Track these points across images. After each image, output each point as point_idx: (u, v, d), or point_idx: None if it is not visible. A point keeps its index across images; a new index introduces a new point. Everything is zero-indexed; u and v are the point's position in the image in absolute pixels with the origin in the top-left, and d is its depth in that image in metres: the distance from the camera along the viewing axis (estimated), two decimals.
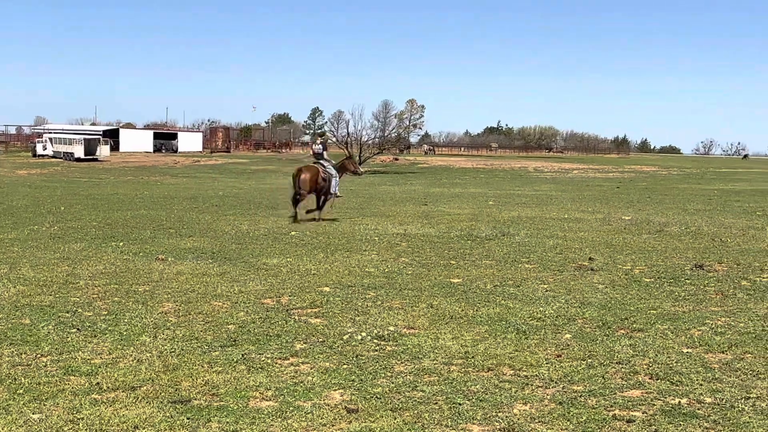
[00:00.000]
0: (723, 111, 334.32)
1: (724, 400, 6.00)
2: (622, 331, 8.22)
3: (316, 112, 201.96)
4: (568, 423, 5.52)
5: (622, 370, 6.82)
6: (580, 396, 6.10)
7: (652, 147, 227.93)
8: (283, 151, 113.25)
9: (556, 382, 6.45)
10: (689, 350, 7.48)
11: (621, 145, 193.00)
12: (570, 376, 6.61)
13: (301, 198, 21.22)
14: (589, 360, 7.12)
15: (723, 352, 7.41)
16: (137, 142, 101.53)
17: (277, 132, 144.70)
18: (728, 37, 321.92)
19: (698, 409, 5.81)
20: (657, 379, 6.55)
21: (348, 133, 72.95)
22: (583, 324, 8.54)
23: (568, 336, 8.00)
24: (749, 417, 5.64)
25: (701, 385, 6.40)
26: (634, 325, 8.47)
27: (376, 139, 77.30)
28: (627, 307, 9.46)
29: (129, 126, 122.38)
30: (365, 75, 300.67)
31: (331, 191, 21.65)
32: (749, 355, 7.32)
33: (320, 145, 22.54)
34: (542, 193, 35.64)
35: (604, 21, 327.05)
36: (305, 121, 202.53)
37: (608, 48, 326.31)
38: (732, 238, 16.83)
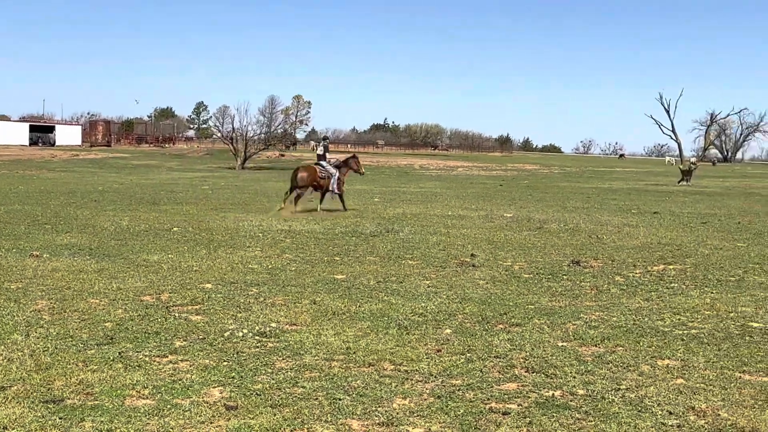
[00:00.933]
0: (602, 111, 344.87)
1: (596, 392, 6.20)
2: (501, 326, 8.39)
3: (200, 107, 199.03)
4: (446, 416, 5.61)
5: (500, 363, 6.96)
6: (459, 390, 6.20)
7: (534, 146, 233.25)
8: (167, 145, 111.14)
9: (435, 377, 6.54)
10: (564, 344, 7.70)
11: (504, 143, 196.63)
12: (449, 371, 6.71)
13: (299, 195, 23.24)
14: (468, 354, 7.25)
15: (596, 346, 7.65)
16: (11, 135, 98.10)
17: (161, 126, 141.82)
18: (607, 40, 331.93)
19: (571, 401, 5.98)
20: (533, 372, 6.71)
21: (233, 129, 72.19)
22: (463, 319, 8.68)
23: (448, 331, 8.12)
24: (618, 408, 5.84)
25: (574, 377, 6.60)
26: (513, 320, 8.66)
27: (262, 135, 76.70)
28: (506, 302, 9.67)
29: (3, 118, 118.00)
30: (251, 70, 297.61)
31: (331, 188, 23.49)
32: (620, 348, 7.58)
33: (322, 148, 24.64)
34: (427, 191, 36.05)
35: (489, 21, 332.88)
36: (189, 116, 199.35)
37: (492, 48, 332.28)
38: (608, 235, 17.39)
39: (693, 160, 55.66)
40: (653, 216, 23.12)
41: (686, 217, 22.76)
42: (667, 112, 54.71)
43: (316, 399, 5.93)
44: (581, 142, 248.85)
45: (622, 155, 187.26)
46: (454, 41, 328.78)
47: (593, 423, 5.51)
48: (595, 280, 11.39)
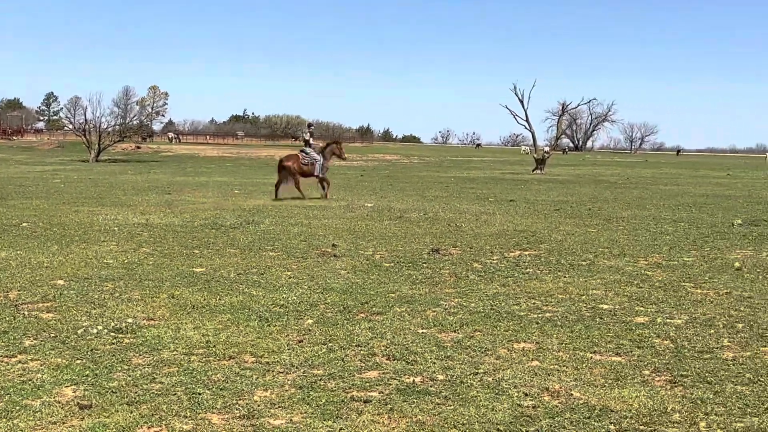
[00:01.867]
0: (459, 102, 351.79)
1: (455, 377, 6.31)
2: (362, 315, 8.43)
3: (50, 98, 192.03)
4: (308, 407, 5.58)
5: (361, 352, 6.99)
6: (320, 379, 6.19)
7: (394, 136, 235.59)
8: (15, 138, 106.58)
9: (297, 367, 6.51)
10: (424, 331, 7.80)
11: (365, 134, 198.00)
12: (311, 361, 6.69)
13: (288, 183, 24.86)
14: (330, 344, 7.24)
15: (455, 331, 7.78)
16: None
17: (8, 118, 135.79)
18: (463, 32, 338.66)
19: (431, 386, 6.06)
20: (393, 360, 6.77)
21: (86, 120, 69.85)
22: (325, 309, 8.68)
23: (309, 321, 8.10)
24: (477, 391, 5.95)
25: (434, 363, 6.69)
26: (374, 309, 8.71)
27: (117, 127, 74.49)
28: (367, 291, 9.72)
29: None
30: (104, 59, 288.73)
31: (316, 173, 25.04)
32: (479, 333, 7.73)
33: (308, 134, 25.92)
34: None
35: (348, 11, 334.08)
36: (39, 107, 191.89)
37: (352, 39, 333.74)
38: (466, 223, 17.74)
39: (546, 149, 57.39)
40: (509, 204, 23.74)
41: (540, 205, 23.48)
42: (521, 102, 56.20)
43: (175, 394, 5.80)
44: (440, 132, 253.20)
45: (478, 145, 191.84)
46: (313, 31, 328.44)
47: (452, 407, 5.61)
48: (454, 267, 11.59)
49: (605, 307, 9.01)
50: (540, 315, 8.55)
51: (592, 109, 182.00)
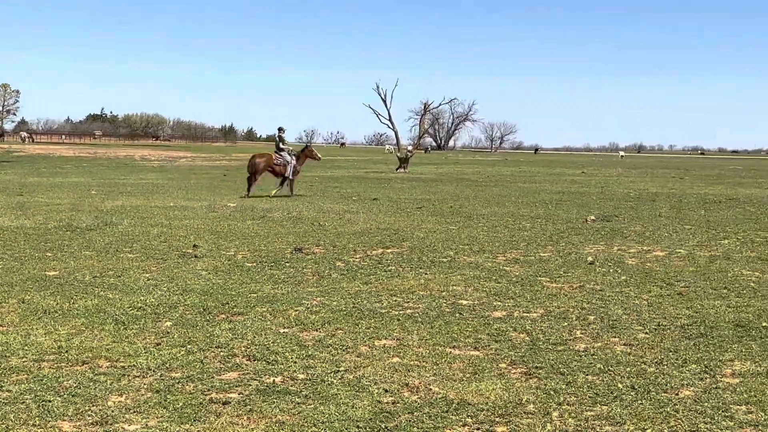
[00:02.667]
0: (324, 101, 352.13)
1: (316, 375, 6.29)
2: (223, 316, 8.31)
3: None
4: (165, 410, 5.46)
5: (221, 353, 6.89)
6: (178, 382, 6.06)
7: (258, 136, 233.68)
8: None
9: (154, 371, 6.35)
10: (286, 330, 7.75)
11: (228, 133, 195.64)
12: (168, 364, 6.54)
13: (254, 180, 26.54)
14: (189, 346, 7.10)
15: (317, 330, 7.76)
16: None
17: None
18: (326, 32, 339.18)
19: (291, 386, 6.02)
20: (254, 360, 6.70)
21: None
22: (184, 311, 8.51)
23: (168, 323, 7.92)
24: (337, 389, 5.96)
25: (295, 362, 6.65)
26: (235, 309, 8.60)
27: None
28: (229, 291, 9.59)
29: None
30: None
31: (287, 174, 26.60)
32: (340, 331, 7.74)
33: (279, 138, 27.77)
34: (148, 182, 35.05)
35: (207, 11, 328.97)
36: None
37: (212, 39, 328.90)
38: (330, 221, 17.75)
39: (409, 148, 58.15)
40: (373, 202, 23.90)
41: (404, 203, 23.74)
42: (384, 101, 56.89)
43: (23, 403, 5.55)
44: (305, 131, 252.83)
45: (343, 144, 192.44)
46: (173, 28, 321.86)
47: (312, 405, 5.59)
48: (317, 266, 11.58)
49: (465, 302, 9.17)
50: (401, 312, 8.63)
51: (454, 108, 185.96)
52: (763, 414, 5.48)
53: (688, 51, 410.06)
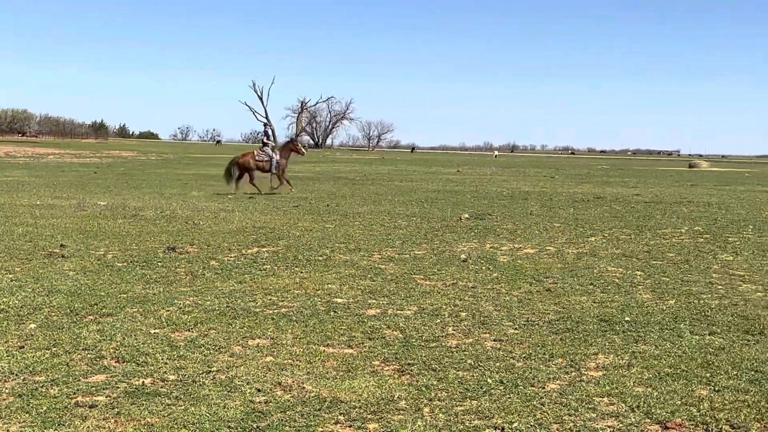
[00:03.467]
0: (199, 98, 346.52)
1: (187, 376, 6.19)
2: (91, 317, 8.08)
3: None
4: (27, 415, 5.27)
5: (88, 356, 6.70)
6: (42, 386, 5.86)
7: (131, 132, 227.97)
8: None
9: (16, 375, 6.12)
10: (157, 331, 7.60)
11: (99, 130, 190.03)
12: (32, 367, 6.32)
13: (235, 176, 27.55)
14: (54, 349, 6.88)
15: (189, 330, 7.64)
16: None
17: None
18: (202, 28, 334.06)
19: (161, 387, 5.91)
20: (123, 362, 6.54)
21: None
22: (50, 312, 8.23)
23: (32, 326, 7.65)
24: (209, 390, 5.88)
25: (166, 363, 6.53)
26: (104, 310, 8.38)
27: None
28: (97, 292, 9.33)
29: None
30: None
31: (271, 170, 27.81)
32: (213, 330, 7.64)
33: (265, 134, 29.25)
34: (14, 179, 33.75)
35: (76, 4, 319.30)
36: None
37: (81, 33, 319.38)
38: (204, 220, 17.50)
39: None
40: (249, 200, 23.69)
41: (280, 201, 23.62)
42: (261, 99, 56.30)
43: None
44: (179, 128, 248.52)
45: (219, 141, 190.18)
46: (40, 19, 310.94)
47: (183, 407, 5.49)
48: (190, 265, 11.39)
49: (340, 300, 9.20)
50: (276, 311, 8.59)
51: (331, 107, 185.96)
52: (623, 405, 5.69)
53: (558, 54, 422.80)
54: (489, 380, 6.24)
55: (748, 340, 7.61)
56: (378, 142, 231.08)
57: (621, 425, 5.30)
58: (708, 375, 6.45)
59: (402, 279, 10.65)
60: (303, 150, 29.34)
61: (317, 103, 77.27)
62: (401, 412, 5.50)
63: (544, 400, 5.76)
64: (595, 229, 17.17)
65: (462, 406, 5.65)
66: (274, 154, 27.99)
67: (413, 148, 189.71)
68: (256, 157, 27.86)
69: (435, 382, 6.17)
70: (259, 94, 56.13)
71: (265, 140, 28.81)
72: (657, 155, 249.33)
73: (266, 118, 57.83)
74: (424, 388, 6.02)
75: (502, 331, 7.89)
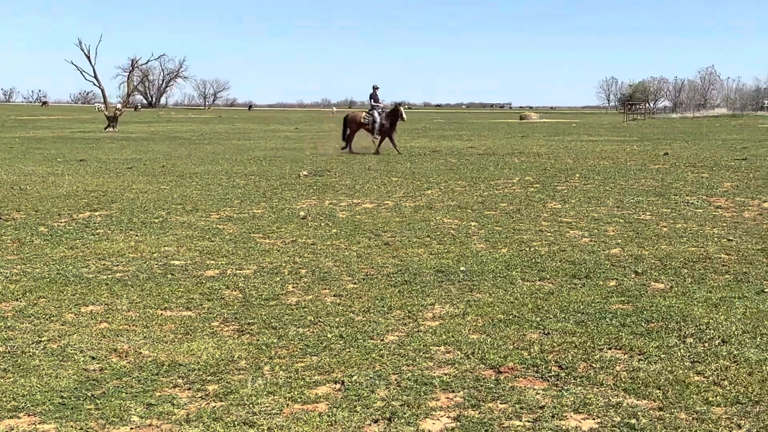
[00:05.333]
0: (22, 59, 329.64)
1: (16, 347, 5.94)
2: None
3: None
4: None
5: None
6: None
7: None
8: None
9: None
10: None
11: None
12: None
13: (350, 136, 27.97)
14: None
15: (17, 300, 7.32)
16: None
17: None
18: None
19: None
20: None
21: None
22: None
23: None
24: (40, 360, 5.66)
25: None
26: None
27: None
28: None
29: None
30: None
31: (374, 133, 27.75)
32: (43, 299, 7.36)
33: (372, 98, 28.39)
34: None
35: None
36: None
37: None
38: (32, 185, 16.75)
39: (118, 106, 55.89)
40: (80, 164, 22.82)
41: (113, 164, 22.87)
42: (88, 58, 54.03)
43: None
44: (2, 89, 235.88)
45: (45, 103, 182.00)
46: None
47: (12, 379, 5.27)
48: (17, 232, 10.89)
49: (177, 263, 9.03)
50: (110, 276, 8.34)
51: (164, 65, 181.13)
52: (459, 353, 5.86)
53: (393, 9, 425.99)
54: (329, 335, 6.29)
55: (575, 284, 7.98)
56: (214, 100, 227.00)
57: (457, 372, 5.46)
58: (538, 319, 6.72)
59: (241, 238, 10.55)
60: (404, 116, 27.93)
61: (148, 61, 75.24)
62: (241, 371, 5.47)
63: (383, 352, 5.86)
64: (432, 182, 17.51)
65: (302, 362, 5.67)
66: (378, 117, 27.70)
67: (250, 106, 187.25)
68: (363, 119, 27.91)
69: (275, 340, 6.17)
70: (86, 53, 53.80)
71: (373, 103, 28.26)
72: (490, 108, 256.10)
73: (95, 77, 55.67)
74: (264, 347, 6.00)
75: (341, 286, 7.96)
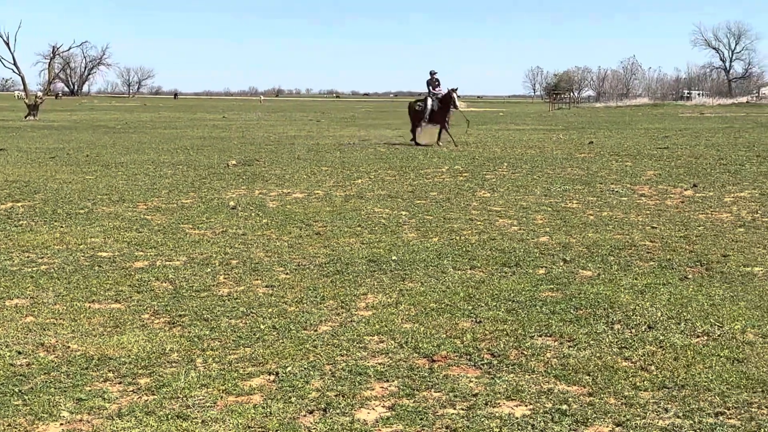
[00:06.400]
0: None
1: None
2: None
3: None
4: None
5: None
6: None
7: None
8: None
9: None
10: None
11: None
12: None
13: (412, 126, 26.36)
14: None
15: None
16: None
17: None
18: None
19: None
20: None
21: None
22: None
23: None
24: None
25: None
26: None
27: None
28: None
29: None
30: None
31: (424, 119, 25.79)
32: None
33: (429, 84, 26.31)
34: None
35: None
36: None
37: None
38: None
39: (39, 93, 54.58)
40: (0, 153, 22.24)
41: (35, 153, 22.34)
42: (7, 44, 52.76)
43: None
44: None
45: None
46: None
47: None
48: None
49: (104, 254, 8.87)
50: (35, 268, 8.16)
51: (86, 52, 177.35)
52: (393, 342, 5.88)
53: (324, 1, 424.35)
54: (262, 326, 6.25)
55: (506, 272, 8.08)
56: (138, 88, 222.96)
57: (390, 361, 5.48)
58: (470, 308, 6.78)
59: (170, 229, 10.42)
60: (457, 104, 25.71)
61: (70, 48, 73.77)
62: (173, 364, 5.41)
63: (317, 343, 5.85)
64: (362, 171, 17.51)
65: (235, 354, 5.63)
66: (430, 104, 25.86)
67: (176, 94, 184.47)
68: (416, 106, 26.45)
69: (207, 332, 6.11)
70: (5, 39, 52.49)
71: (431, 89, 26.41)
72: (419, 96, 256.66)
73: (14, 64, 54.33)
74: (196, 339, 5.94)
75: (273, 276, 7.92)
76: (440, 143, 25.48)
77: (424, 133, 26.19)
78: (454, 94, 25.74)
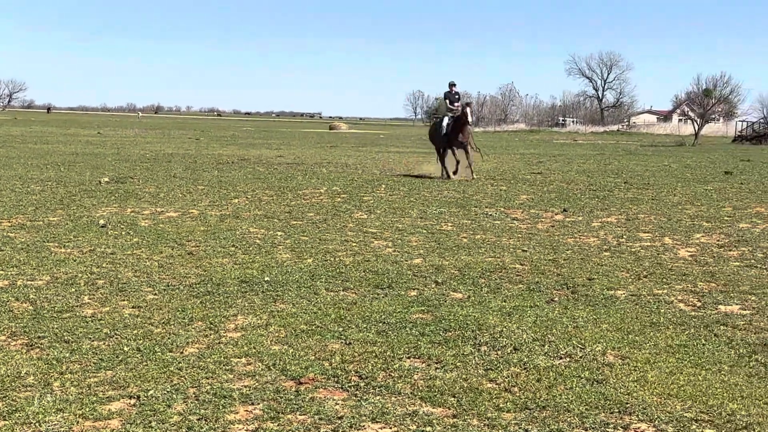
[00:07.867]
0: None
1: None
2: None
3: None
4: None
5: None
6: None
7: None
8: None
9: None
10: None
11: None
12: None
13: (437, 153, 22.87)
14: None
15: None
16: None
17: None
18: None
19: None
20: None
21: None
22: None
23: None
24: None
25: None
26: None
27: None
28: None
29: None
30: None
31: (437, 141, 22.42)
32: None
33: (447, 98, 23.02)
34: None
35: None
36: None
37: None
38: None
39: None
40: None
41: None
42: None
43: None
44: None
45: None
46: None
47: None
48: None
49: None
50: None
51: None
52: (260, 364, 5.81)
53: (199, 14, 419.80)
54: (125, 348, 6.08)
55: (378, 294, 8.10)
56: (9, 101, 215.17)
57: (257, 384, 5.40)
58: (341, 329, 6.76)
59: (34, 247, 10.04)
60: (469, 118, 21.60)
61: None
62: (28, 388, 5.19)
63: (182, 365, 5.72)
64: (239, 191, 17.33)
65: (96, 377, 5.45)
66: (445, 124, 22.08)
67: (49, 108, 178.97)
68: (435, 127, 23.24)
69: (67, 354, 5.89)
70: None
71: (448, 105, 22.88)
72: (300, 117, 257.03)
73: None
74: (54, 362, 5.72)
75: (141, 297, 7.72)
76: (472, 170, 21.93)
77: (450, 159, 22.25)
78: (467, 109, 21.97)
